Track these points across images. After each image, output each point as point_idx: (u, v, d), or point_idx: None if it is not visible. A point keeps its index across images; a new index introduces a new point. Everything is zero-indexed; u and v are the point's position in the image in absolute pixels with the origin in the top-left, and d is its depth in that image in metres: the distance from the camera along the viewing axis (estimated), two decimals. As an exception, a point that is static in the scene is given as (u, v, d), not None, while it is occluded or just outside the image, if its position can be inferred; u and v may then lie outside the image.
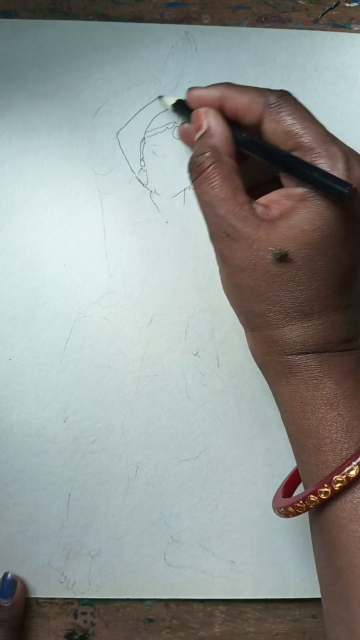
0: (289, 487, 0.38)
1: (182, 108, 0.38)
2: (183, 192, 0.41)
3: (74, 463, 0.41)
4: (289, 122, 0.32)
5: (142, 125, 0.41)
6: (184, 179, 0.41)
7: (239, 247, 0.32)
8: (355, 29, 0.42)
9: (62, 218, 0.41)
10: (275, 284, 0.32)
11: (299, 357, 0.32)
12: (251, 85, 0.35)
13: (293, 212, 0.32)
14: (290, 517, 0.33)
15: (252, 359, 0.41)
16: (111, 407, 0.41)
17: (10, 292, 0.41)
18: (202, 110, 0.35)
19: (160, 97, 0.41)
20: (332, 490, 0.30)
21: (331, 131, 0.33)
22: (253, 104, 0.33)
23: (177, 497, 0.41)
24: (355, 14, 0.42)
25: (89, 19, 0.42)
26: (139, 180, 0.41)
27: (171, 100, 0.39)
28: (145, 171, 0.41)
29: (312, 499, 0.31)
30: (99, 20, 0.42)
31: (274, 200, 0.33)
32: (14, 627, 0.39)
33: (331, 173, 0.31)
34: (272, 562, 0.41)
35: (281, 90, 0.33)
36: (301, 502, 0.31)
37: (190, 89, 0.36)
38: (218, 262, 0.34)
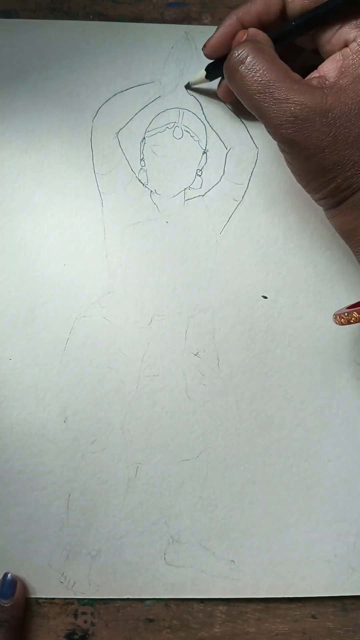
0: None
1: (214, 67, 0.38)
2: (183, 192, 0.41)
3: (74, 463, 0.41)
4: None
5: (142, 125, 0.41)
6: (184, 179, 0.41)
7: (313, 125, 0.31)
8: (355, 29, 0.42)
9: (62, 218, 0.41)
10: (357, 143, 0.31)
11: None
12: None
13: (351, 66, 0.31)
14: (352, 323, 0.33)
15: (252, 358, 0.41)
16: (111, 407, 0.41)
17: (10, 292, 0.41)
18: (242, 31, 0.34)
19: (187, 85, 0.41)
20: None
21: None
22: None
23: (177, 497, 0.41)
24: (355, 14, 0.42)
25: (89, 19, 0.42)
26: (139, 180, 0.41)
27: (201, 75, 0.39)
28: (145, 171, 0.41)
29: None
30: (99, 19, 0.42)
31: (327, 68, 0.32)
32: (14, 627, 0.39)
33: None
34: (272, 562, 0.41)
35: None
36: None
37: (205, 45, 0.36)
38: (289, 154, 0.33)
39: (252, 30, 0.34)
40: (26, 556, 0.40)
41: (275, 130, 0.32)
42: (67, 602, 0.41)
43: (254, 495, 0.41)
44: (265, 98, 0.31)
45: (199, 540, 0.41)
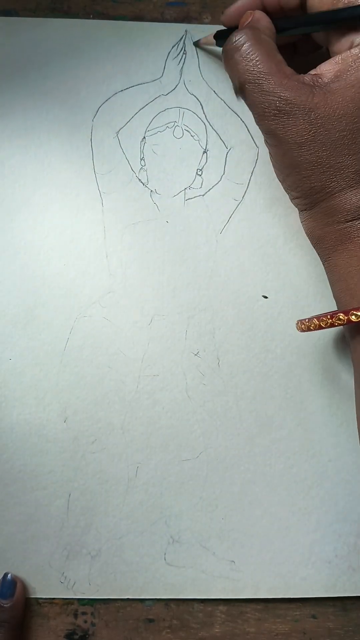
0: None
1: (225, 35, 0.38)
2: (183, 191, 0.41)
3: (74, 463, 0.41)
4: None
5: (142, 124, 0.41)
6: (184, 178, 0.41)
7: (295, 121, 0.31)
8: (355, 28, 0.42)
9: (62, 218, 0.41)
10: (337, 150, 0.32)
11: (359, 222, 0.33)
12: None
13: (349, 71, 0.31)
14: (312, 329, 0.34)
15: (252, 358, 0.41)
16: (111, 407, 0.41)
17: (10, 292, 0.41)
18: (249, 11, 0.35)
19: (195, 43, 0.41)
20: None
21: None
22: None
23: (177, 497, 0.41)
24: (356, 13, 0.42)
25: (89, 18, 0.42)
26: (139, 179, 0.41)
27: (209, 38, 0.39)
28: (146, 170, 0.41)
29: (340, 317, 0.32)
30: (99, 19, 0.42)
31: (325, 68, 0.32)
32: (14, 627, 0.39)
33: None
34: (272, 562, 0.41)
35: None
36: (329, 317, 0.32)
37: (225, 10, 0.36)
38: (270, 146, 0.34)
39: (257, 13, 0.34)
40: (26, 556, 0.40)
41: (259, 119, 0.33)
42: (67, 602, 0.41)
43: (254, 495, 0.41)
44: (254, 88, 0.32)
45: (199, 540, 0.41)
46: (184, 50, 0.41)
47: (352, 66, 0.31)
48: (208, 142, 0.41)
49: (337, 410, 0.41)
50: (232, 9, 0.36)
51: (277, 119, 0.32)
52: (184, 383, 0.41)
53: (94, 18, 0.42)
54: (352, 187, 0.32)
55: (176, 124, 0.41)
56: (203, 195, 0.41)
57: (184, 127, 0.41)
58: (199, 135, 0.41)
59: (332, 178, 0.32)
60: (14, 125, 0.41)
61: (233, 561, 0.41)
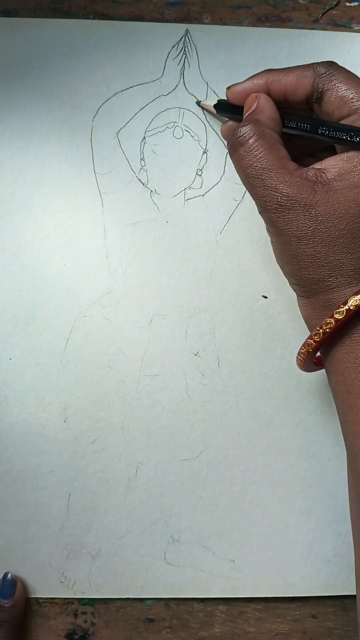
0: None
1: (225, 107, 0.38)
2: (183, 191, 0.41)
3: (74, 463, 0.41)
4: (343, 88, 0.32)
5: (142, 124, 0.41)
6: (184, 179, 0.41)
7: (296, 215, 0.32)
8: (355, 28, 0.42)
9: (62, 218, 0.41)
10: (336, 247, 0.32)
11: (356, 320, 0.32)
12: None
13: (352, 172, 0.31)
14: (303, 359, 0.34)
15: (252, 358, 0.41)
16: (111, 407, 0.41)
17: (10, 292, 0.41)
18: (255, 94, 0.35)
19: (198, 102, 0.41)
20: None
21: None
22: (302, 79, 0.33)
23: (177, 496, 0.41)
24: (356, 14, 0.42)
25: (89, 19, 0.42)
26: (139, 179, 0.41)
27: (212, 104, 0.40)
28: (146, 171, 0.41)
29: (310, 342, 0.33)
30: (100, 19, 0.42)
31: (330, 164, 0.32)
32: (14, 627, 0.39)
33: None
34: (272, 561, 0.41)
35: (328, 61, 0.33)
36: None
37: (230, 86, 0.36)
38: (271, 234, 0.34)
39: (262, 99, 0.34)
40: (26, 556, 0.40)
41: (261, 211, 0.33)
42: (67, 602, 0.41)
43: (254, 495, 0.41)
44: (257, 182, 0.32)
45: (199, 540, 0.41)
46: (184, 50, 0.41)
47: (357, 167, 0.31)
48: (208, 142, 0.41)
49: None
50: (239, 88, 0.36)
51: (278, 213, 0.32)
52: (184, 383, 0.41)
53: (94, 18, 0.42)
54: (351, 284, 0.32)
55: (176, 124, 0.41)
56: (203, 195, 0.41)
57: (183, 128, 0.41)
58: (199, 135, 0.41)
59: (331, 274, 0.32)
60: (14, 125, 0.41)
61: (233, 560, 0.41)
